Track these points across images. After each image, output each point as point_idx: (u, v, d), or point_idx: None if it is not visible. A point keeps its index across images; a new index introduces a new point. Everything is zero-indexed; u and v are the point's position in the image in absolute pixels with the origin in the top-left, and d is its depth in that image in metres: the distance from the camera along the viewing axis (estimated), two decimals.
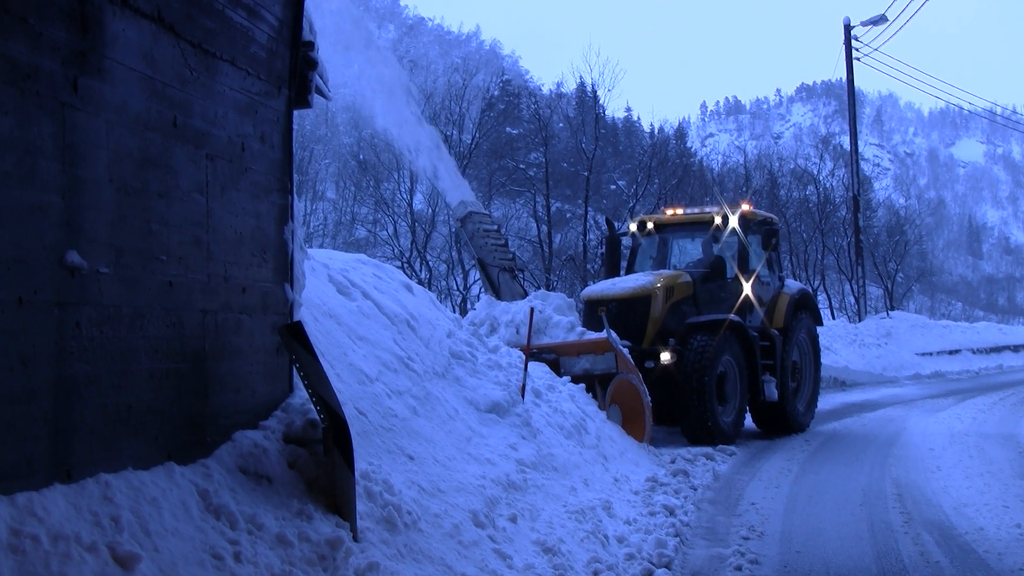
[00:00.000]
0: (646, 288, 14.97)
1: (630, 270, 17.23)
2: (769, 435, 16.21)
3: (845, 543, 8.72)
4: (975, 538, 8.87)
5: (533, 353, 12.27)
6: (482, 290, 34.68)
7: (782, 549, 8.52)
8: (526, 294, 17.56)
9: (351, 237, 52.57)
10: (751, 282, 16.12)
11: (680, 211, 17.53)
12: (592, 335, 13.25)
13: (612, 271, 17.27)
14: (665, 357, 14.23)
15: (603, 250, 17.97)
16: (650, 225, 16.97)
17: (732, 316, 15.22)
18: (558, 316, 13.83)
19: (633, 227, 17.26)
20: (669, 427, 14.80)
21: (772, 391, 15.76)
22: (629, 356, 13.20)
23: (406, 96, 19.32)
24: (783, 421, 16.39)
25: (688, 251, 17.61)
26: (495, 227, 20.03)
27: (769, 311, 16.70)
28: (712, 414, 14.21)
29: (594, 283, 18.45)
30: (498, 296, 17.17)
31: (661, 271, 16.09)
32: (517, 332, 13.65)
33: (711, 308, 15.83)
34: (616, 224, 18.60)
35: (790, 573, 7.79)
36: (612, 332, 13.00)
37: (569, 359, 13.06)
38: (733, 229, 16.15)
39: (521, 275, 20.31)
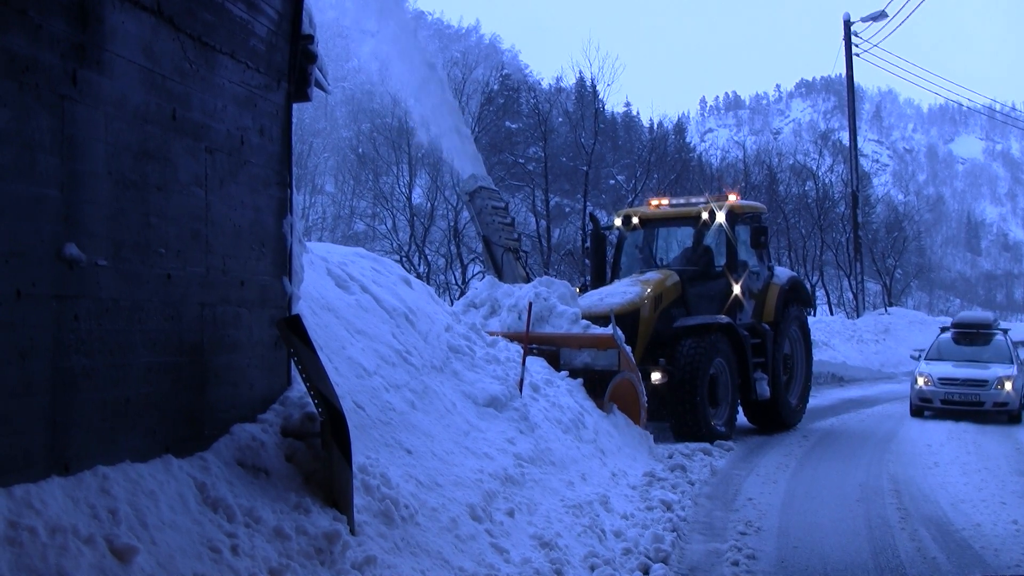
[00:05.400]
0: (634, 303, 14.79)
1: (616, 265, 17.11)
2: (764, 431, 16.21)
3: (842, 539, 8.74)
4: (972, 534, 8.90)
5: (532, 348, 12.24)
6: (484, 271, 34.72)
7: (779, 544, 8.54)
8: (529, 278, 17.30)
9: (350, 231, 52.55)
10: (741, 281, 16.03)
11: (665, 201, 17.33)
12: (596, 330, 13.10)
13: (598, 267, 17.12)
14: (656, 377, 14.15)
15: (588, 245, 17.77)
16: (635, 220, 16.83)
17: (721, 317, 15.17)
18: (562, 306, 13.49)
19: (618, 222, 17.11)
20: (665, 423, 14.76)
21: (764, 389, 15.70)
22: (631, 354, 13.16)
23: (425, 60, 19.27)
24: (776, 417, 16.35)
25: (674, 244, 17.42)
26: (504, 205, 19.64)
27: (759, 304, 16.58)
28: (704, 419, 14.15)
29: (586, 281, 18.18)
30: (500, 276, 16.94)
31: (648, 275, 15.83)
32: (520, 318, 13.21)
33: (701, 306, 15.74)
34: (601, 218, 18.41)
35: (787, 568, 7.81)
36: (618, 330, 12.90)
37: (570, 351, 12.90)
38: (720, 224, 16.01)
39: (526, 256, 19.92)
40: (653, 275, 15.76)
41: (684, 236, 17.10)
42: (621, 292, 15.15)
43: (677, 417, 14.19)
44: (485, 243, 18.78)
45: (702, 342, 14.43)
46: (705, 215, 16.10)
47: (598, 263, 17.22)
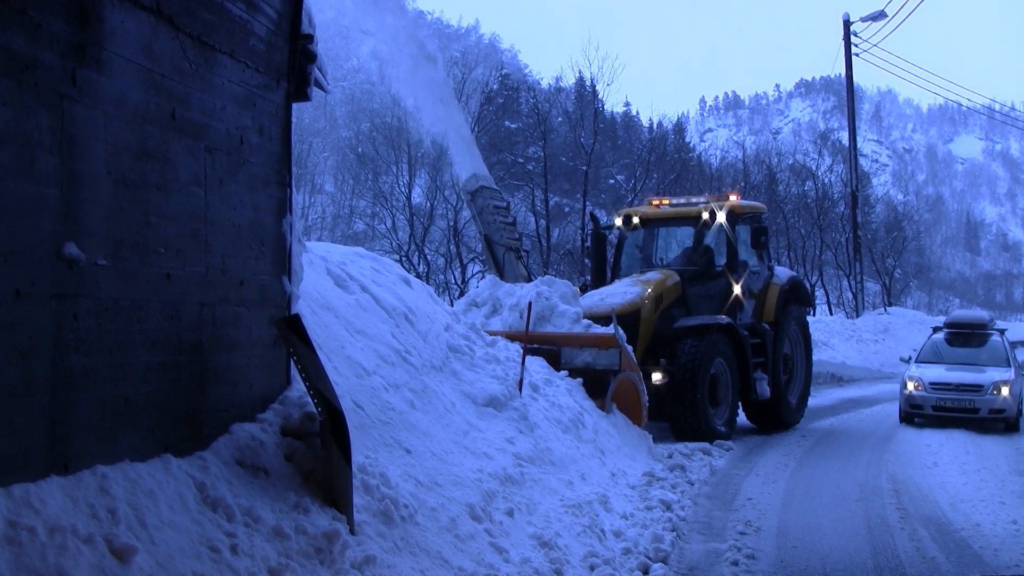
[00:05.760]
0: (635, 303, 14.81)
1: (616, 265, 17.15)
2: (764, 431, 16.22)
3: (842, 539, 8.74)
4: (971, 534, 8.90)
5: (533, 348, 12.24)
6: (484, 271, 35.03)
7: (778, 544, 8.54)
8: (530, 277, 17.34)
9: (349, 230, 52.54)
10: (741, 281, 16.05)
11: (666, 202, 17.39)
12: (598, 329, 13.11)
13: (598, 267, 17.16)
14: (656, 377, 14.18)
15: (588, 244, 17.80)
16: (635, 219, 16.85)
17: (722, 318, 15.18)
18: (564, 305, 13.53)
19: (618, 221, 17.14)
20: (665, 423, 14.76)
21: (764, 389, 15.72)
22: (632, 354, 13.16)
23: (428, 60, 19.38)
24: (776, 416, 16.39)
25: (674, 243, 17.46)
26: (505, 204, 19.68)
27: (759, 304, 16.61)
28: (705, 418, 14.18)
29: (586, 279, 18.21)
30: (501, 276, 17.01)
31: (649, 275, 15.87)
32: (521, 317, 13.14)
33: (701, 306, 15.76)
34: (601, 217, 18.47)
35: (786, 568, 7.81)
36: (620, 329, 12.91)
37: (571, 351, 12.91)
38: (721, 224, 16.04)
39: (527, 256, 19.99)
40: (654, 275, 15.78)
41: (684, 236, 17.12)
42: (622, 292, 15.16)
43: (678, 417, 14.20)
44: (487, 242, 18.82)
45: (703, 342, 14.44)
46: (706, 215, 16.11)
47: (598, 263, 17.23)
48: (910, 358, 18.83)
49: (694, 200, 17.08)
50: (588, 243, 17.83)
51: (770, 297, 16.72)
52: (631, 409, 12.70)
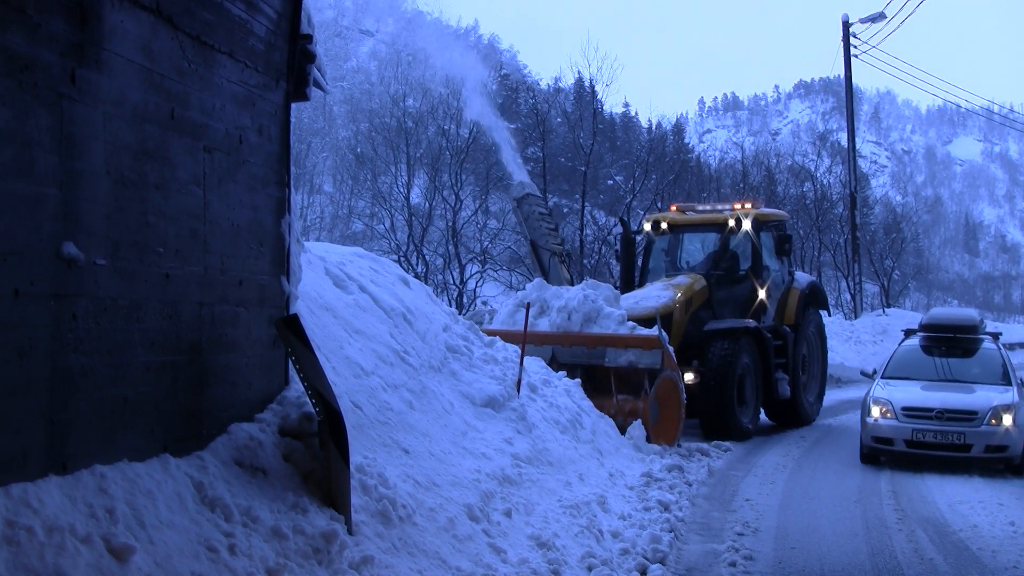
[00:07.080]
0: (668, 306, 15.28)
1: (644, 268, 17.82)
2: (781, 428, 16.63)
3: (840, 540, 8.74)
4: (969, 535, 8.91)
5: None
6: (480, 273, 35.60)
7: (777, 545, 8.54)
8: (573, 281, 17.94)
9: (348, 231, 52.51)
10: (765, 286, 16.65)
11: (694, 207, 18.18)
12: (642, 331, 13.67)
13: (627, 269, 17.89)
14: (688, 377, 14.57)
15: (617, 248, 18.47)
16: (664, 225, 17.49)
17: (749, 322, 15.72)
18: (609, 307, 14.21)
19: (647, 227, 17.82)
20: (694, 420, 14.91)
21: (785, 389, 16.30)
22: (673, 354, 13.54)
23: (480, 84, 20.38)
24: (795, 414, 16.94)
25: (700, 249, 18.09)
26: (548, 211, 20.48)
27: (780, 307, 17.26)
28: (734, 417, 14.70)
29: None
30: (546, 279, 17.51)
31: (678, 279, 16.38)
32: (568, 319, 14.03)
33: (726, 309, 16.33)
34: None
35: (784, 569, 7.81)
36: (663, 332, 13.45)
37: (616, 350, 13.47)
38: (746, 232, 16.69)
39: (570, 259, 20.63)
40: (683, 279, 16.36)
41: (709, 242, 17.75)
42: (655, 296, 15.73)
43: (708, 416, 14.77)
44: (532, 247, 19.62)
45: (732, 345, 14.98)
46: (732, 222, 16.80)
47: (627, 265, 17.95)
48: (874, 372, 14.39)
49: (720, 207, 17.94)
50: (617, 247, 18.52)
51: (791, 301, 17.43)
52: (671, 406, 13.16)
